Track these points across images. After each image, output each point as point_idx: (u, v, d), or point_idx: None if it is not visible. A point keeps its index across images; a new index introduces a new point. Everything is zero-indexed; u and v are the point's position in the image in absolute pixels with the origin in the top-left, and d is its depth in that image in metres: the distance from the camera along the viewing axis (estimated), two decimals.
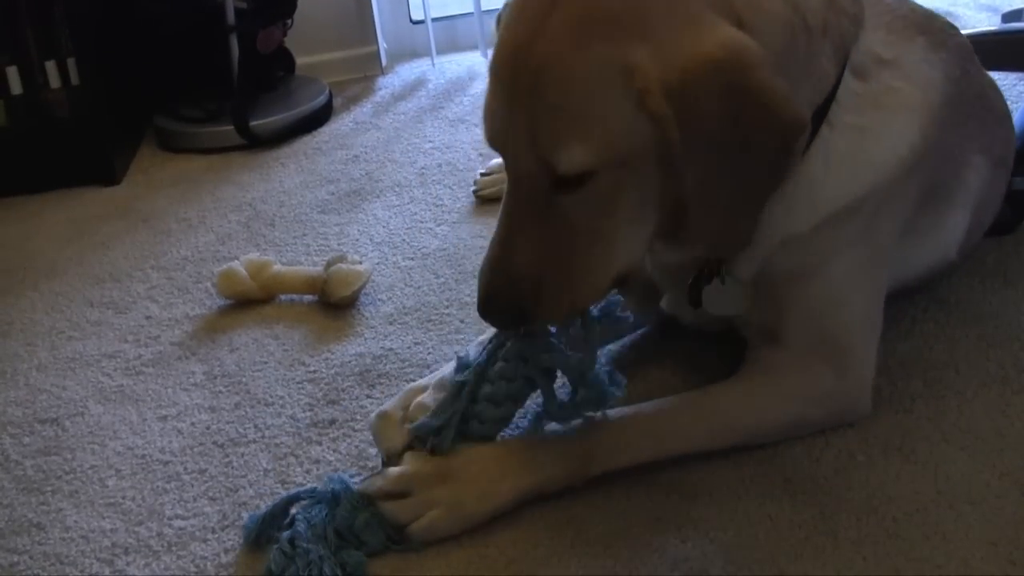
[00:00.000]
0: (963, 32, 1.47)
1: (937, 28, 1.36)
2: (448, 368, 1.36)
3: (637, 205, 1.13)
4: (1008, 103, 1.57)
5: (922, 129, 1.26)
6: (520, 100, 1.10)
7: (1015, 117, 1.81)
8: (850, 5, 1.23)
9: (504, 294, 1.17)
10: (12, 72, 2.42)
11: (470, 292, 1.77)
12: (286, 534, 1.21)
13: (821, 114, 1.21)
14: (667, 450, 1.27)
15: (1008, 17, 2.63)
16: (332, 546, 1.19)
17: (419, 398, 1.33)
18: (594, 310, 1.26)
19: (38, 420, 1.57)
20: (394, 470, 1.24)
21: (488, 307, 1.19)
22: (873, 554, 1.13)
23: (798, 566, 1.13)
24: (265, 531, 1.24)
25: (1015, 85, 2.31)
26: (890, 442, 1.29)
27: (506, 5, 1.18)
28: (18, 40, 2.42)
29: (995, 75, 2.27)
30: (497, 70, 1.13)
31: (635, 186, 1.12)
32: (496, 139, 1.16)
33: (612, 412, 1.27)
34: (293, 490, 1.27)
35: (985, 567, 1.10)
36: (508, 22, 1.13)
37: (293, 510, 1.25)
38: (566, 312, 1.20)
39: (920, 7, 1.38)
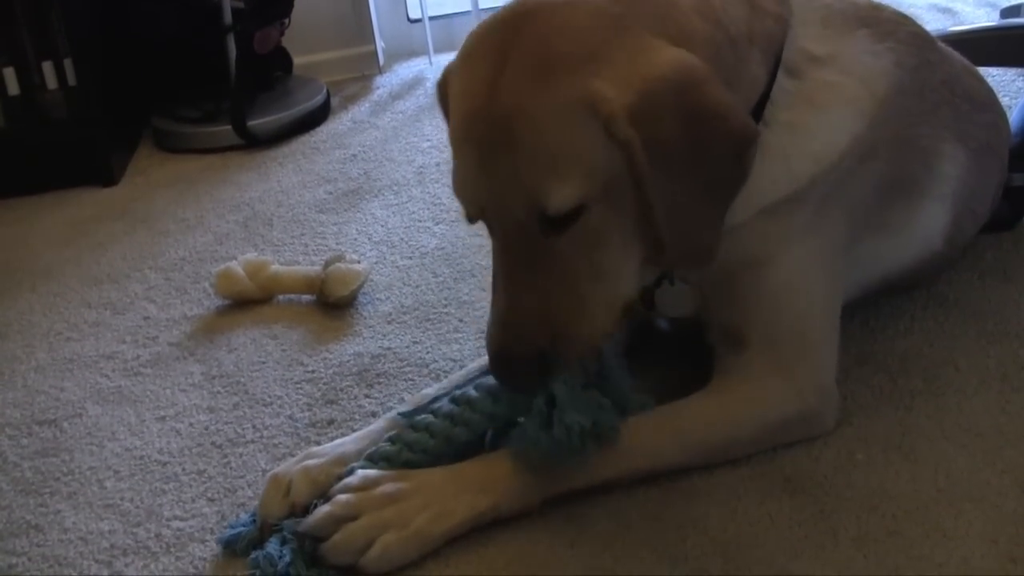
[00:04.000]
0: (963, 28, 1.46)
1: (884, 19, 1.36)
2: (351, 445, 1.29)
3: (626, 232, 1.15)
4: (1007, 99, 1.57)
5: (868, 119, 1.28)
6: (495, 157, 1.11)
7: (1013, 113, 1.81)
8: (773, 7, 1.25)
9: (520, 349, 1.16)
10: (9, 73, 2.43)
11: (468, 291, 1.77)
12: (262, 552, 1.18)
13: (756, 115, 1.23)
14: (632, 468, 1.24)
15: (1006, 13, 2.63)
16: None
17: (309, 462, 1.26)
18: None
19: (36, 421, 1.56)
20: (343, 496, 1.18)
21: (505, 366, 1.18)
22: (873, 552, 1.13)
23: (798, 565, 1.13)
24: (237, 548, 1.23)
25: (1014, 81, 2.31)
26: (890, 440, 1.29)
27: (447, 73, 1.21)
28: (15, 41, 2.42)
29: (994, 71, 2.29)
30: (463, 135, 1.15)
31: (620, 214, 1.14)
32: (476, 204, 1.16)
33: None
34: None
35: (985, 565, 1.10)
36: (460, 88, 1.16)
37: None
38: (587, 350, 1.19)
39: (865, 1, 1.37)
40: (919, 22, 1.44)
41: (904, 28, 1.38)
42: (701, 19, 1.16)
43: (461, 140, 1.15)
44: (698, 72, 1.09)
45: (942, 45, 1.48)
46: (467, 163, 1.15)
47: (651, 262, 1.21)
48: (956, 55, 1.51)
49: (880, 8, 1.38)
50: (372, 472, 1.21)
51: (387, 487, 1.18)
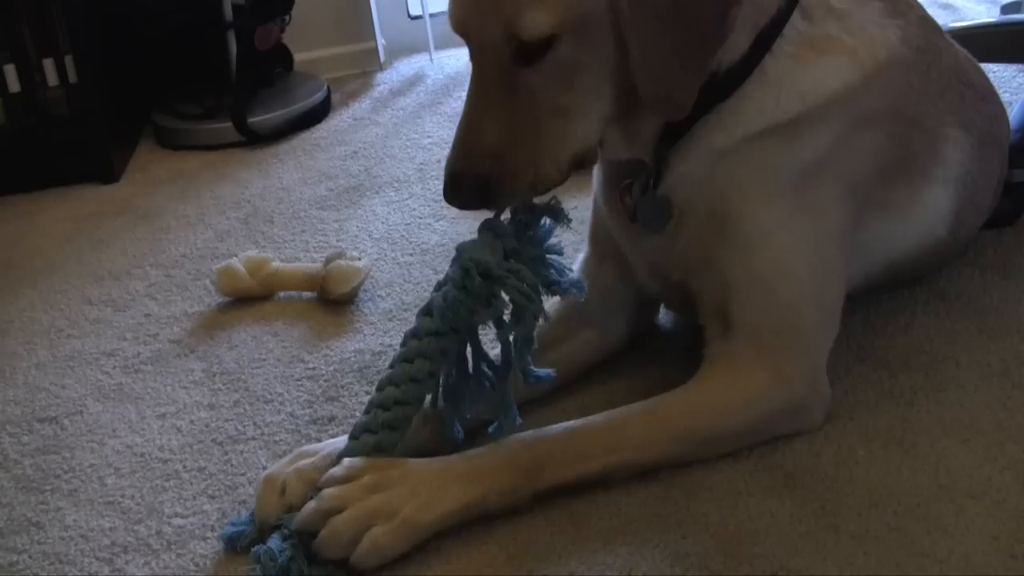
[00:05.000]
0: (964, 23, 1.47)
1: (899, 0, 1.37)
2: (343, 443, 1.27)
3: (594, 77, 1.20)
4: (1007, 95, 1.57)
5: (862, 76, 1.29)
6: None
7: (1014, 109, 1.81)
8: None
9: (470, 172, 1.21)
10: (10, 70, 2.42)
11: None
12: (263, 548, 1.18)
13: (766, 46, 1.26)
14: (621, 461, 1.24)
15: (1007, 9, 2.63)
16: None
17: (302, 462, 1.26)
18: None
19: (37, 419, 1.56)
20: (328, 490, 1.17)
21: (453, 186, 1.22)
22: (874, 548, 1.13)
23: (799, 561, 1.13)
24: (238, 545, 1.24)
25: (1015, 77, 2.30)
26: (891, 436, 1.29)
27: None
28: (15, 38, 2.42)
29: (995, 67, 2.29)
30: None
31: (592, 55, 1.18)
32: (461, 22, 1.21)
33: (561, 424, 1.26)
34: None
35: (987, 561, 1.10)
36: None
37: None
38: (529, 189, 1.24)
39: None
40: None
41: (915, 12, 1.39)
42: None
43: None
44: None
45: (948, 36, 1.48)
46: None
47: (622, 124, 1.26)
48: (959, 47, 1.52)
49: None
50: (357, 461, 1.20)
51: (372, 476, 1.18)
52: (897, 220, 1.41)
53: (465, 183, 1.21)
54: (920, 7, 1.42)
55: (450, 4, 1.23)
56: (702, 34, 1.18)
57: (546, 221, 1.27)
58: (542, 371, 1.29)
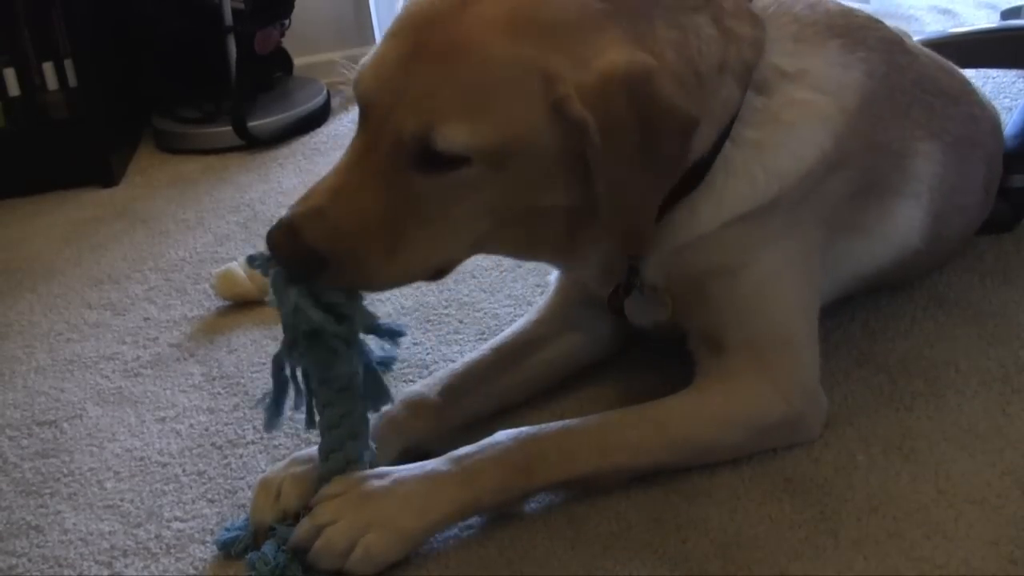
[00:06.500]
0: (963, 29, 1.46)
1: (856, 27, 1.35)
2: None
3: (484, 207, 1.15)
4: (1007, 101, 1.57)
5: (835, 135, 1.28)
6: (424, 63, 1.10)
7: (1014, 115, 1.81)
8: (748, 31, 1.25)
9: (313, 240, 1.10)
10: (9, 74, 2.42)
11: (468, 292, 1.76)
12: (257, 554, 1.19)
13: (725, 132, 1.24)
14: (614, 464, 1.23)
15: (1007, 14, 2.63)
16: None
17: (297, 468, 1.25)
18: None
19: (36, 422, 1.56)
20: (321, 505, 1.17)
21: (285, 238, 1.11)
22: (874, 554, 1.13)
23: (798, 566, 1.13)
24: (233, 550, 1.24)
25: (1014, 83, 2.30)
26: (890, 441, 1.29)
27: None
28: (15, 41, 2.42)
29: (994, 73, 2.29)
30: (406, 27, 1.14)
31: (496, 188, 1.13)
32: (373, 89, 1.13)
33: (555, 423, 1.26)
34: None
35: (986, 566, 1.10)
36: None
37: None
38: (358, 285, 1.15)
39: (837, 8, 1.36)
40: (886, 23, 1.43)
41: (874, 34, 1.37)
42: (675, 53, 1.17)
43: (399, 31, 1.15)
44: (654, 69, 1.12)
45: (911, 44, 1.47)
46: (389, 54, 1.13)
47: (565, 250, 1.25)
48: (925, 51, 1.50)
49: (851, 14, 1.37)
50: (348, 477, 1.20)
51: (364, 487, 1.18)
52: (867, 239, 1.41)
53: (297, 244, 1.10)
54: (878, 25, 1.40)
55: (368, 63, 1.14)
56: (667, 167, 1.16)
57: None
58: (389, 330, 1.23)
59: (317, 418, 1.22)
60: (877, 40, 1.36)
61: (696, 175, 1.24)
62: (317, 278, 1.12)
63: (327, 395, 1.20)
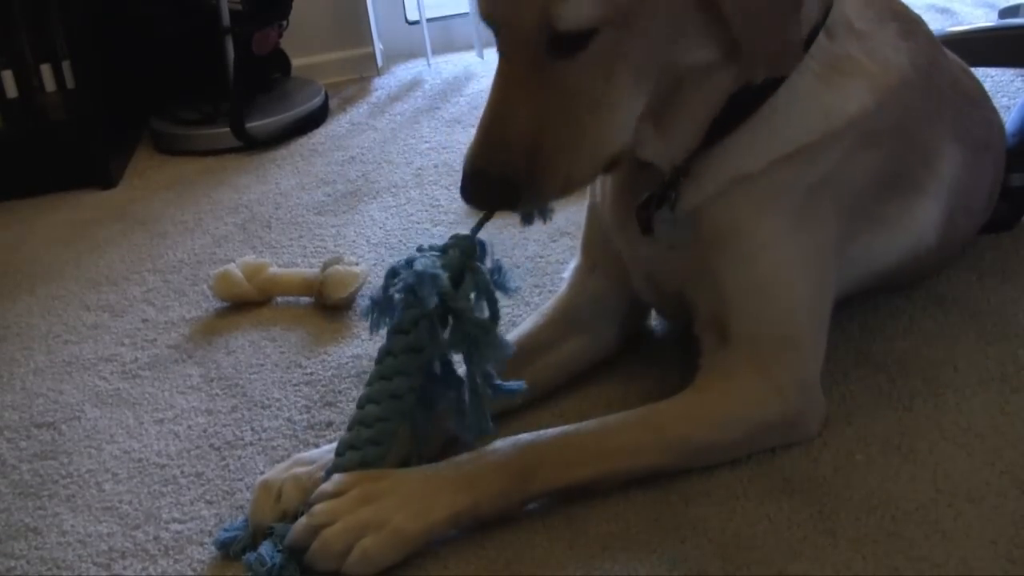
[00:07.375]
0: (962, 28, 1.47)
1: (912, 18, 1.38)
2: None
3: (634, 71, 1.14)
4: (1005, 99, 1.57)
5: (876, 99, 1.28)
6: None
7: (1013, 113, 1.82)
8: None
9: (496, 167, 1.13)
10: (7, 76, 2.42)
11: None
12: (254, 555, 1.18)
13: (808, 41, 1.24)
14: (613, 468, 1.23)
15: (1005, 13, 2.63)
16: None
17: (298, 469, 1.26)
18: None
19: (34, 424, 1.56)
20: (319, 505, 1.17)
21: (475, 183, 1.14)
22: (872, 553, 1.13)
23: (797, 566, 1.13)
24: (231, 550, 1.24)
25: (1012, 81, 2.31)
26: (889, 440, 1.29)
27: None
28: (13, 43, 2.42)
29: (992, 71, 2.29)
30: None
31: (635, 49, 1.12)
32: (491, 7, 1.14)
33: (553, 429, 1.25)
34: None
35: (984, 565, 1.10)
36: None
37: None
38: (560, 190, 1.17)
39: None
40: None
41: (923, 30, 1.40)
42: None
43: None
44: None
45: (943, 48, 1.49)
46: None
47: (655, 122, 1.22)
48: (952, 55, 1.53)
49: (907, 6, 1.40)
50: (346, 476, 1.20)
51: (362, 488, 1.17)
52: (887, 233, 1.41)
53: (489, 180, 1.13)
54: (925, 24, 1.43)
55: None
56: None
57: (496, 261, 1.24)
58: (512, 384, 1.25)
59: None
60: (925, 36, 1.39)
61: (760, 97, 1.23)
62: (521, 204, 1.16)
63: (384, 387, 1.22)
